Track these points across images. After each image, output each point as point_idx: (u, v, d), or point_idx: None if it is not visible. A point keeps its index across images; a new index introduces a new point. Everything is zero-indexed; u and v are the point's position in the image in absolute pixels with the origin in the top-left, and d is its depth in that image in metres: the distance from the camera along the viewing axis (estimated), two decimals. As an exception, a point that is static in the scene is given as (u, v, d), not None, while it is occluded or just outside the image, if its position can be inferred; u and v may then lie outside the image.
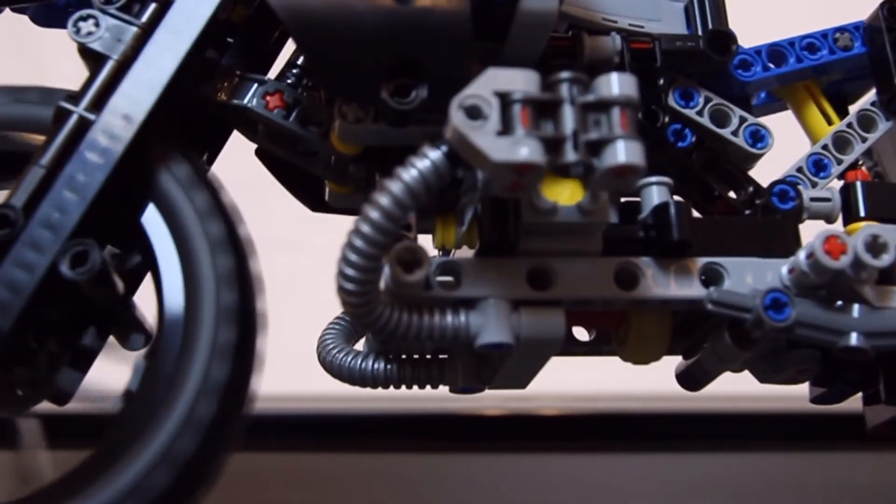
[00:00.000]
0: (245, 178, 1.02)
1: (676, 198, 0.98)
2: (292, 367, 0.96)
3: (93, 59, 0.93)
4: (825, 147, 1.03)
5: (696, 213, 1.04)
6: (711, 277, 0.92)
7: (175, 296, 0.89)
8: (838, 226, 0.99)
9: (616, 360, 1.01)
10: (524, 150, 0.78)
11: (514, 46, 0.93)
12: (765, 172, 1.03)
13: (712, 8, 1.02)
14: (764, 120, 1.10)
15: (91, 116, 0.90)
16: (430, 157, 0.80)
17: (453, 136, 0.79)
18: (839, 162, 1.03)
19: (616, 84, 0.81)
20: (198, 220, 0.91)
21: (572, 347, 1.04)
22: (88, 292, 0.89)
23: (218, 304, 0.88)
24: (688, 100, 1.01)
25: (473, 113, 0.79)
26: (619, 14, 1.00)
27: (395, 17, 0.88)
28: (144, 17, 0.93)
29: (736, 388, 1.14)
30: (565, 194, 0.89)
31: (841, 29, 1.07)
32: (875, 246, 0.88)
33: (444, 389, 0.98)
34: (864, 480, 1.59)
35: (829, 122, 1.06)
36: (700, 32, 1.01)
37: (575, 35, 0.98)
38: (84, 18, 0.93)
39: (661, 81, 0.99)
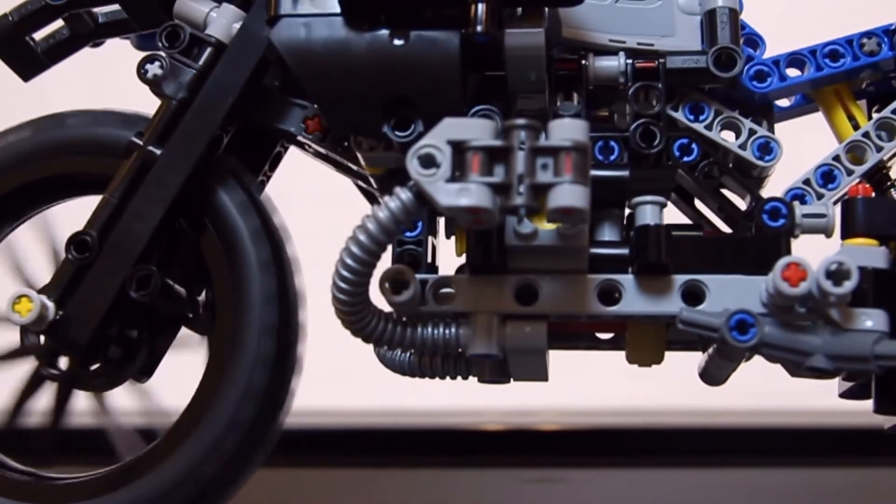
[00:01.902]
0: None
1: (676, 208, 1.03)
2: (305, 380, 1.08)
3: (160, 96, 1.07)
4: (836, 158, 1.04)
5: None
6: (693, 294, 0.98)
7: (225, 313, 1.04)
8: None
9: (616, 374, 1.07)
10: (468, 197, 0.86)
11: (514, 77, 1.00)
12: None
13: (723, 21, 1.03)
14: (804, 120, 1.13)
15: (156, 152, 1.05)
16: (401, 198, 0.90)
17: (414, 181, 0.88)
18: (850, 173, 1.03)
19: (564, 130, 0.88)
20: (250, 241, 1.05)
21: (596, 344, 1.11)
22: (155, 307, 1.05)
23: (261, 321, 1.02)
24: (698, 114, 1.04)
25: (427, 161, 0.88)
26: (628, 33, 1.04)
27: (388, 58, 0.97)
28: (201, 61, 1.06)
29: (739, 403, 1.17)
30: (546, 219, 0.96)
31: (869, 33, 1.06)
32: (838, 273, 0.91)
33: (444, 403, 1.07)
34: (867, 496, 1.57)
35: (856, 127, 1.07)
36: (710, 47, 1.03)
37: (581, 57, 1.04)
38: (150, 61, 1.06)
39: (664, 99, 1.03)
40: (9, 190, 1.11)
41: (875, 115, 1.07)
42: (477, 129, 0.88)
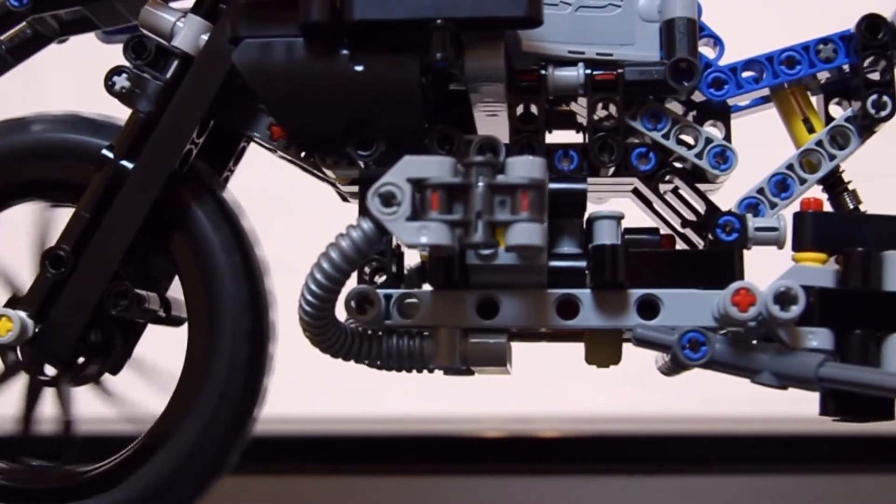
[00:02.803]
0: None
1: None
2: (292, 388, 1.10)
3: (129, 110, 1.08)
4: (790, 167, 1.06)
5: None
6: (648, 308, 1.01)
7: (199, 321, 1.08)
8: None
9: (616, 381, 1.10)
10: (427, 236, 0.89)
11: (475, 95, 1.02)
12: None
13: (681, 32, 1.04)
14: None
15: (128, 166, 1.06)
16: (362, 228, 0.93)
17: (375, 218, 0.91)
18: (803, 181, 1.05)
19: (521, 168, 0.90)
20: (221, 251, 1.07)
21: (554, 337, 1.15)
22: (129, 318, 1.08)
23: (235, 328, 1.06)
24: (655, 122, 1.06)
25: (387, 200, 0.90)
26: (587, 43, 1.05)
27: (349, 82, 0.99)
28: (169, 73, 1.06)
29: (739, 410, 1.19)
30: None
31: (825, 40, 1.07)
32: (786, 297, 0.94)
33: (445, 411, 1.11)
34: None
35: (811, 131, 1.09)
36: (667, 58, 1.04)
37: (540, 68, 1.05)
38: (118, 73, 1.07)
39: (622, 112, 1.04)
40: None
41: (831, 115, 1.09)
42: (436, 167, 0.90)
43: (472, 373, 1.13)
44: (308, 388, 1.10)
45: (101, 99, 1.10)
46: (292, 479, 1.74)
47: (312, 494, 1.72)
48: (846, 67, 1.08)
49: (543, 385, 1.10)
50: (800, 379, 0.96)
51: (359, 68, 0.98)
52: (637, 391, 1.11)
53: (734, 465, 1.73)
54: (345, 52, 0.98)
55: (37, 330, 1.06)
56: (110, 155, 1.06)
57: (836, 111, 1.11)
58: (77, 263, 1.05)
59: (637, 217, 1.12)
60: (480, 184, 0.90)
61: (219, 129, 1.11)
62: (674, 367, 1.09)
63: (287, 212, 1.12)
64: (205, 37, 1.07)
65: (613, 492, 1.71)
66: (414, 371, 1.09)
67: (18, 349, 1.08)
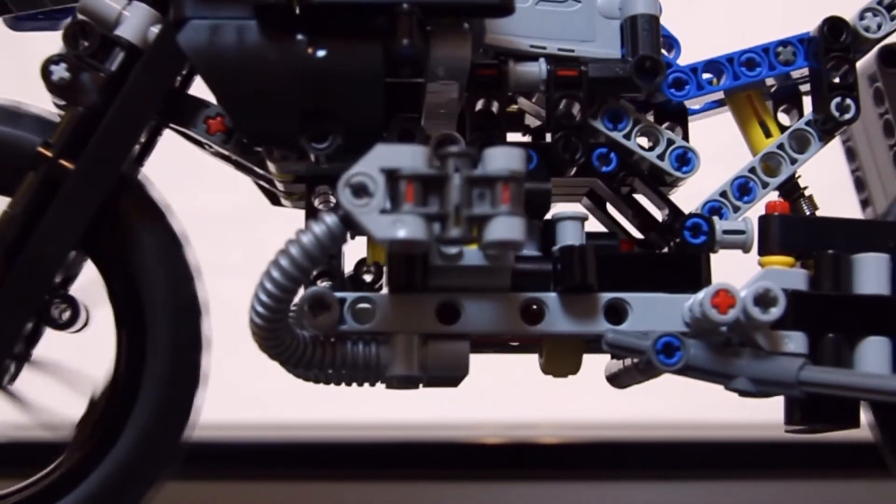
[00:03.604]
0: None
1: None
2: (290, 394, 1.03)
3: (66, 103, 0.98)
4: (752, 170, 1.04)
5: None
6: (616, 313, 0.97)
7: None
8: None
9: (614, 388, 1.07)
10: (403, 229, 0.83)
11: (435, 86, 0.96)
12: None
13: (644, 30, 1.01)
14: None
15: (67, 165, 0.96)
16: (326, 223, 0.86)
17: (344, 211, 0.84)
18: (765, 185, 1.03)
19: (500, 159, 0.85)
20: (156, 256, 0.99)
21: (504, 348, 1.10)
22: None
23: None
24: (616, 122, 1.02)
25: (359, 190, 0.83)
26: (548, 38, 1.01)
27: (306, 68, 0.91)
28: (114, 65, 0.97)
29: (739, 416, 1.17)
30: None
31: (785, 42, 1.05)
32: (765, 299, 0.91)
33: (444, 418, 1.05)
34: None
35: (768, 135, 1.07)
36: (631, 56, 1.01)
37: (501, 63, 1.00)
38: (56, 62, 0.97)
39: (586, 109, 1.00)
40: None
41: (780, 122, 1.08)
42: (410, 157, 0.84)
43: (416, 386, 1.08)
44: (307, 395, 1.02)
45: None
46: (290, 485, 1.69)
47: (311, 501, 1.69)
48: (794, 74, 1.07)
49: (542, 391, 1.05)
50: (780, 383, 0.92)
51: (319, 53, 0.91)
52: (637, 397, 1.07)
53: (735, 471, 1.72)
54: (301, 36, 0.91)
55: None
56: (48, 153, 0.96)
57: (784, 119, 1.11)
58: (9, 271, 0.95)
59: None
60: (457, 176, 0.84)
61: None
62: (630, 376, 1.05)
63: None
64: (154, 28, 0.98)
65: (613, 498, 1.69)
66: (366, 385, 1.03)
67: None
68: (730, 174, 1.04)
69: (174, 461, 0.99)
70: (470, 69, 0.97)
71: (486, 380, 1.00)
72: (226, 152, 1.03)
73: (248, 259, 1.01)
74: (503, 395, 1.05)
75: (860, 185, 1.21)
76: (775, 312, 0.91)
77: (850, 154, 1.21)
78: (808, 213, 1.06)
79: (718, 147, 1.08)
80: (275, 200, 1.12)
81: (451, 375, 0.97)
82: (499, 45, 1.00)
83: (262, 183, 1.08)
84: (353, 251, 1.02)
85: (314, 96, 0.92)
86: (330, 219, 0.86)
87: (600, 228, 1.08)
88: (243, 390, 1.00)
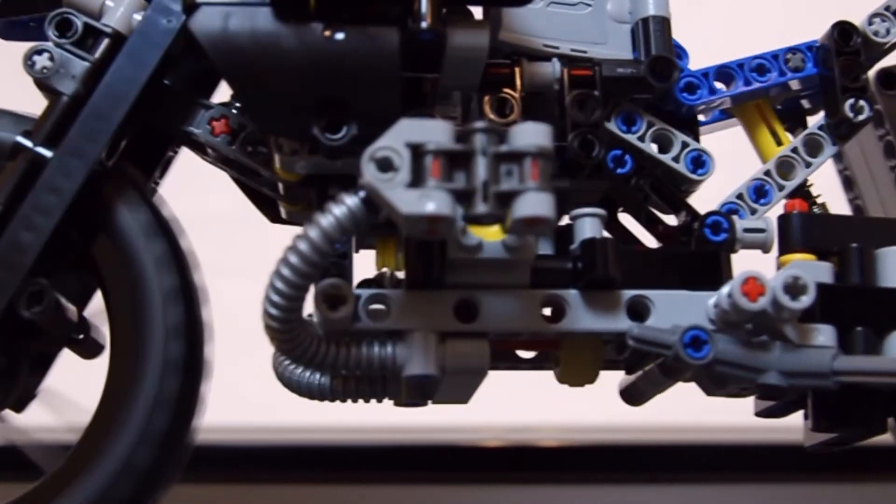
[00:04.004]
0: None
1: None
2: (289, 396, 0.99)
3: (49, 93, 0.95)
4: (767, 173, 1.03)
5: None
6: (638, 310, 0.94)
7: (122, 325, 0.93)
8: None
9: (614, 391, 1.04)
10: (431, 203, 0.79)
11: (450, 78, 0.94)
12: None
13: (657, 31, 1.01)
14: (728, 133, 1.12)
15: (46, 153, 0.93)
16: (347, 204, 0.82)
17: (367, 186, 0.81)
18: (781, 188, 1.02)
19: (528, 135, 0.82)
20: (143, 238, 0.94)
21: (516, 364, 1.06)
22: (44, 326, 0.93)
23: (165, 322, 0.92)
24: (630, 125, 1.01)
25: (384, 165, 0.80)
26: (561, 39, 1.00)
27: (322, 54, 0.89)
28: (98, 53, 0.95)
29: (739, 420, 1.15)
30: (490, 231, 0.90)
31: (793, 49, 1.05)
32: (795, 287, 0.89)
33: (445, 421, 1.01)
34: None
35: (779, 143, 1.06)
36: (644, 57, 1.01)
37: (514, 62, 0.99)
38: (39, 52, 0.95)
39: (602, 108, 0.99)
40: None
41: (793, 132, 1.07)
42: (436, 131, 0.81)
43: (425, 403, 1.03)
44: (302, 401, 0.97)
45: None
46: (290, 488, 1.66)
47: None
48: (795, 86, 1.07)
49: (542, 394, 1.02)
50: (813, 374, 0.89)
51: (336, 37, 0.89)
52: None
53: (733, 475, 1.71)
54: (317, 21, 0.89)
55: None
56: (27, 142, 0.93)
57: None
58: None
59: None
60: (485, 152, 0.81)
61: (148, 129, 1.00)
62: (646, 386, 1.01)
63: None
64: (139, 15, 0.96)
65: (614, 501, 1.66)
66: (373, 400, 0.98)
67: None
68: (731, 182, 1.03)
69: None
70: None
71: (486, 382, 0.96)
72: (230, 155, 1.00)
73: (247, 261, 0.98)
74: (503, 398, 1.02)
75: (859, 212, 1.20)
76: (805, 300, 0.88)
77: (848, 183, 1.21)
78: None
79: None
80: (275, 216, 1.09)
81: (470, 373, 0.93)
82: (513, 42, 0.99)
83: (264, 191, 1.05)
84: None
85: (329, 83, 0.89)
86: (350, 200, 0.82)
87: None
88: (242, 392, 0.95)
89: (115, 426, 0.89)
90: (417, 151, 0.81)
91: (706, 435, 1.74)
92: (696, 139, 1.05)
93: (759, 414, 1.09)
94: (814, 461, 1.61)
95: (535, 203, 0.81)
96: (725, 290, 0.91)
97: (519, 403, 1.03)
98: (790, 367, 0.90)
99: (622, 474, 1.73)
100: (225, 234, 0.99)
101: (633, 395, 1.05)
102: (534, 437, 1.77)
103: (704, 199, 1.04)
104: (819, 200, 1.06)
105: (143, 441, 0.89)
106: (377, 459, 1.76)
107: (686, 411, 1.07)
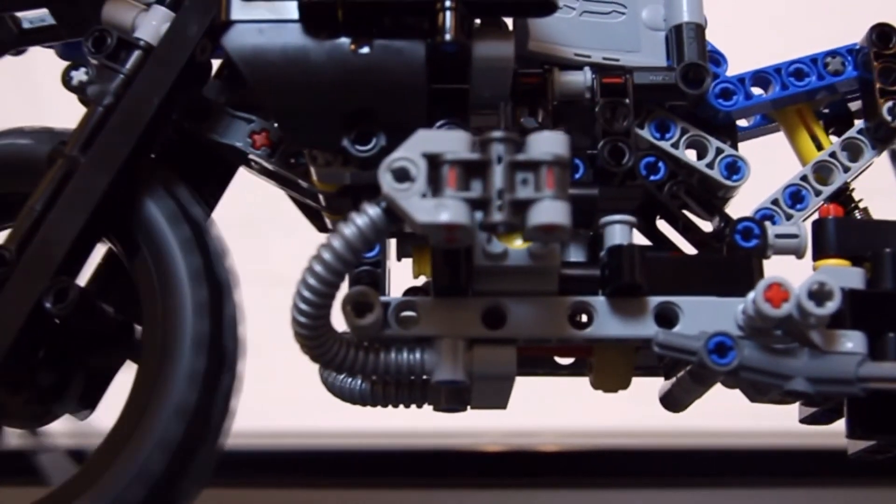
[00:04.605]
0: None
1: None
2: (292, 401, 1.01)
3: (86, 105, 1.00)
4: (804, 178, 1.02)
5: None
6: (666, 317, 0.94)
7: (153, 324, 0.96)
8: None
9: (616, 395, 1.04)
10: (446, 213, 0.81)
11: (478, 89, 0.96)
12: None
13: (690, 38, 1.01)
14: (768, 138, 1.11)
15: (80, 159, 0.97)
16: (368, 214, 0.85)
17: (385, 197, 0.83)
18: (818, 193, 1.02)
19: (544, 143, 0.83)
20: (179, 252, 0.97)
21: (554, 370, 1.07)
22: (75, 325, 0.97)
23: (192, 334, 0.94)
24: (664, 131, 1.01)
25: (401, 175, 0.82)
26: (593, 48, 1.01)
27: (350, 68, 0.92)
28: (129, 65, 0.99)
29: (739, 424, 1.15)
30: (516, 239, 0.92)
31: (833, 52, 1.05)
32: (820, 293, 0.88)
33: (445, 425, 1.03)
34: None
35: (819, 148, 1.05)
36: (676, 64, 1.01)
37: (545, 71, 1.00)
38: (76, 67, 1.01)
39: (632, 116, 0.99)
40: None
41: (841, 136, 1.05)
42: (453, 142, 0.83)
43: (465, 408, 1.05)
44: (308, 403, 1.00)
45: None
46: (292, 492, 1.68)
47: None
48: (844, 87, 1.05)
49: (543, 398, 1.03)
50: (838, 381, 0.89)
51: (360, 52, 0.91)
52: (637, 404, 1.05)
53: (733, 479, 1.71)
54: (345, 35, 0.92)
55: None
56: (62, 149, 0.98)
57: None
58: (20, 261, 0.95)
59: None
60: (500, 160, 0.83)
61: (205, 149, 1.04)
62: (682, 392, 1.01)
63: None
64: (166, 26, 1.00)
65: None
66: (413, 406, 1.01)
67: None
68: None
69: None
70: (514, 77, 0.97)
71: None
72: (271, 167, 1.03)
73: (246, 270, 1.01)
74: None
75: None
76: (831, 307, 0.88)
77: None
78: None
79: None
80: (322, 226, 1.12)
81: (498, 379, 0.94)
82: (543, 52, 1.00)
83: (307, 202, 1.08)
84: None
85: (357, 96, 0.92)
86: (373, 210, 0.85)
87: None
88: (244, 397, 0.97)
89: (133, 433, 0.92)
90: (435, 161, 0.83)
91: (707, 440, 1.73)
92: (734, 144, 1.05)
93: (803, 421, 1.08)
94: (816, 463, 1.61)
95: (550, 211, 0.82)
96: (751, 295, 0.90)
97: (519, 408, 1.03)
98: (816, 374, 0.89)
99: (622, 479, 1.73)
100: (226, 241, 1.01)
101: (670, 401, 1.05)
102: (534, 442, 1.77)
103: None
104: (861, 205, 1.05)
105: (158, 448, 0.91)
106: (377, 464, 1.77)
107: (687, 416, 1.06)
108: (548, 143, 0.84)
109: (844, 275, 0.93)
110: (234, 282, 0.99)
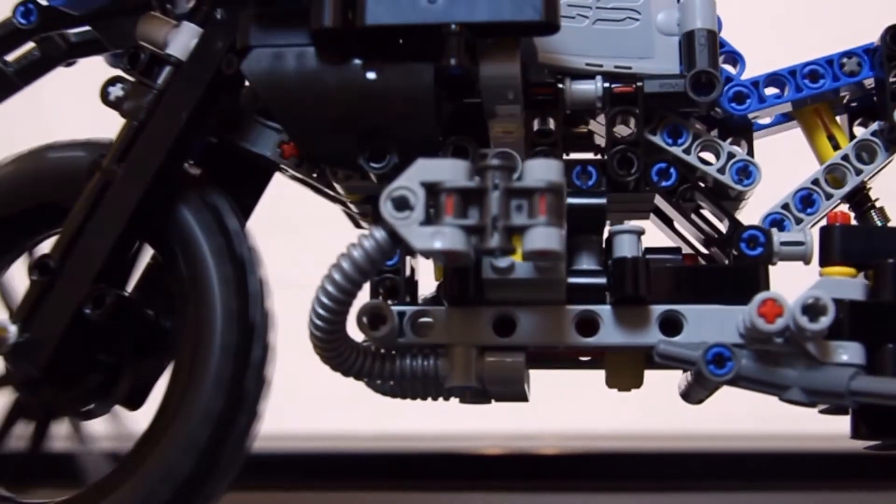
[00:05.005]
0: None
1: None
2: (293, 405, 1.06)
3: (123, 118, 1.06)
4: (815, 182, 1.03)
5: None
6: (672, 325, 0.97)
7: (186, 330, 1.02)
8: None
9: (615, 398, 1.08)
10: (442, 241, 0.86)
11: (489, 106, 0.99)
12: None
13: (701, 44, 1.02)
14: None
15: (118, 171, 1.03)
16: (375, 237, 0.90)
17: (385, 225, 0.88)
18: (829, 197, 1.03)
19: (538, 171, 0.87)
20: (212, 261, 1.03)
21: (576, 364, 1.11)
22: (119, 329, 1.04)
23: (221, 342, 1.00)
24: (676, 137, 1.03)
25: (401, 204, 0.87)
26: (605, 56, 1.03)
27: (362, 90, 0.96)
28: (160, 80, 1.04)
29: (739, 428, 1.17)
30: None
31: (849, 53, 1.04)
32: (815, 308, 0.90)
33: (446, 429, 1.07)
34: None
35: (836, 147, 1.06)
36: (687, 70, 1.02)
37: (557, 81, 1.02)
38: (112, 83, 1.06)
39: (641, 124, 1.01)
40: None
41: (856, 136, 1.06)
42: (450, 171, 0.87)
43: (489, 400, 1.10)
44: (309, 407, 1.05)
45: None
46: (292, 494, 1.72)
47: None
48: (869, 83, 1.05)
49: (542, 401, 1.06)
50: (830, 393, 0.91)
51: (371, 75, 0.95)
52: (637, 407, 1.08)
53: (733, 483, 1.72)
54: (357, 59, 0.96)
55: (21, 339, 1.01)
56: (102, 162, 1.04)
57: (860, 133, 1.09)
58: (63, 269, 1.02)
59: (658, 238, 1.10)
60: (496, 188, 0.87)
61: (239, 154, 1.09)
62: (695, 390, 1.05)
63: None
64: (192, 43, 1.04)
65: None
66: (429, 398, 1.05)
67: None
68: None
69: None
70: (526, 88, 1.00)
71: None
72: (299, 175, 1.08)
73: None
74: (503, 406, 1.06)
75: None
76: (825, 322, 0.90)
77: None
78: (879, 224, 1.04)
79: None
80: (358, 224, 1.17)
81: (508, 386, 0.99)
82: (554, 63, 1.02)
83: (339, 206, 1.13)
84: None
85: (370, 116, 0.96)
86: (378, 233, 0.89)
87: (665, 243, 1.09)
88: None
89: (163, 436, 0.98)
90: (433, 189, 0.87)
91: (707, 443, 1.74)
92: (750, 146, 1.07)
93: (822, 411, 1.10)
94: (815, 466, 1.61)
95: (542, 237, 0.86)
96: (748, 307, 0.93)
97: (519, 411, 1.07)
98: (810, 385, 0.92)
99: (622, 482, 1.74)
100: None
101: (689, 395, 1.08)
102: (534, 445, 1.79)
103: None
104: (878, 204, 1.05)
105: (185, 451, 0.97)
106: (377, 466, 1.79)
107: (688, 419, 1.08)
108: (542, 171, 0.87)
109: (844, 286, 0.95)
110: (266, 291, 1.04)
